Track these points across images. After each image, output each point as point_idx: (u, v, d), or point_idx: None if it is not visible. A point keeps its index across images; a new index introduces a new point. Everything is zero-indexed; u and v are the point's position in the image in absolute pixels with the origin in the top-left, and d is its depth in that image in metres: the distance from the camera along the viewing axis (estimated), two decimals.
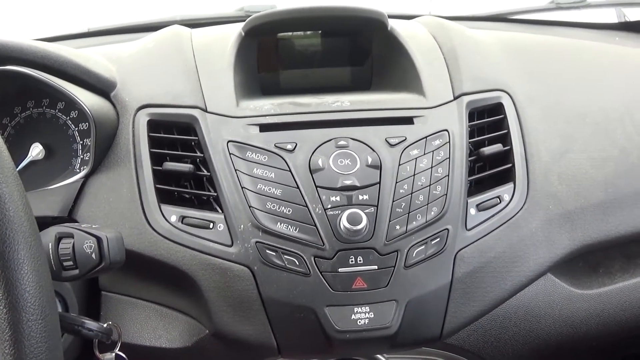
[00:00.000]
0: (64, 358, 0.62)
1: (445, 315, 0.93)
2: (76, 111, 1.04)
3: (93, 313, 0.98)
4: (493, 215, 0.97)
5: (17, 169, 0.77)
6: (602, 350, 1.16)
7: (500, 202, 0.98)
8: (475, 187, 1.00)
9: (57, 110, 1.05)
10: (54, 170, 1.03)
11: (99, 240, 0.80)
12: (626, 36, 1.51)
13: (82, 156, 1.03)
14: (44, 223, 0.80)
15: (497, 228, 0.97)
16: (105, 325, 0.89)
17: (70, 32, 1.54)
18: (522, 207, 0.99)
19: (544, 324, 1.03)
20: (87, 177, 0.98)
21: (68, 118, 1.04)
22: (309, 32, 1.17)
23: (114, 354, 0.93)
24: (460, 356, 1.05)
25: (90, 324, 0.86)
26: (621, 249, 1.12)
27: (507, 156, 1.03)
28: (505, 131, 1.04)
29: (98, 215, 0.95)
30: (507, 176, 1.02)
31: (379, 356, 1.05)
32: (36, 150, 1.02)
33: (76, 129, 1.04)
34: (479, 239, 0.95)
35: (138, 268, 0.94)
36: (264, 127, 0.97)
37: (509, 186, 1.00)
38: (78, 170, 1.01)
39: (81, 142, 1.03)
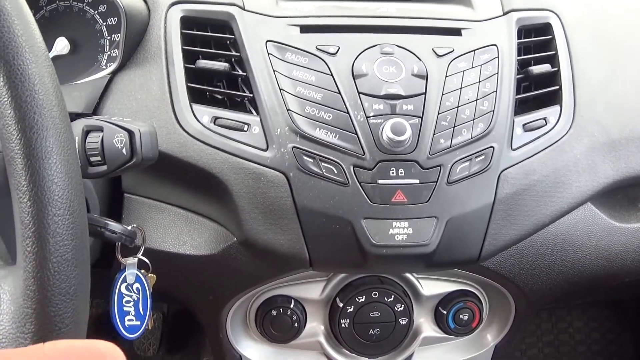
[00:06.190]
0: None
1: (485, 236, 0.89)
2: (105, 5, 0.98)
3: (115, 216, 0.94)
4: (539, 137, 0.93)
5: None
6: (635, 287, 1.13)
7: (547, 124, 0.94)
8: (519, 107, 0.96)
9: (84, 4, 0.99)
10: (79, 65, 0.97)
11: (130, 134, 0.74)
12: None
13: (109, 52, 0.97)
14: None
15: (542, 150, 0.92)
16: (129, 228, 0.85)
17: None
18: (567, 131, 0.95)
19: (581, 255, 1.00)
20: (114, 74, 0.93)
21: (96, 12, 0.98)
22: None
23: (136, 259, 0.90)
24: (493, 281, 1.01)
25: (114, 225, 0.82)
26: None
27: (554, 78, 0.98)
28: (553, 52, 1.00)
29: (125, 113, 0.90)
30: (554, 98, 0.97)
31: (408, 275, 1.02)
32: (61, 45, 0.96)
33: (104, 23, 0.98)
34: (524, 160, 0.91)
35: (165, 170, 0.89)
36: (305, 29, 0.92)
37: (554, 108, 0.96)
38: (104, 67, 0.96)
39: (109, 37, 0.98)
